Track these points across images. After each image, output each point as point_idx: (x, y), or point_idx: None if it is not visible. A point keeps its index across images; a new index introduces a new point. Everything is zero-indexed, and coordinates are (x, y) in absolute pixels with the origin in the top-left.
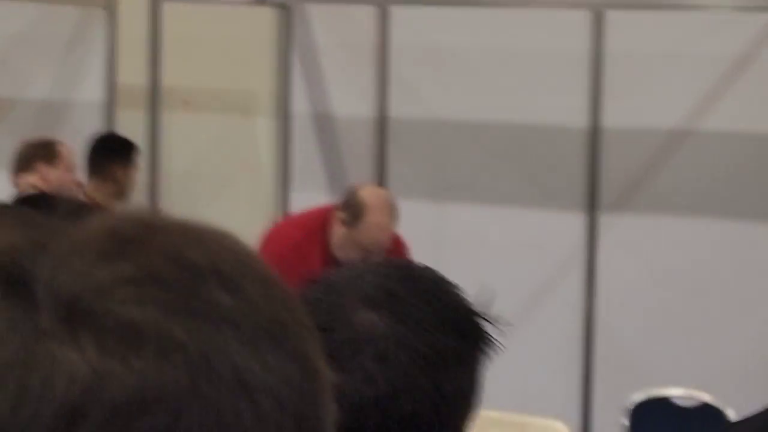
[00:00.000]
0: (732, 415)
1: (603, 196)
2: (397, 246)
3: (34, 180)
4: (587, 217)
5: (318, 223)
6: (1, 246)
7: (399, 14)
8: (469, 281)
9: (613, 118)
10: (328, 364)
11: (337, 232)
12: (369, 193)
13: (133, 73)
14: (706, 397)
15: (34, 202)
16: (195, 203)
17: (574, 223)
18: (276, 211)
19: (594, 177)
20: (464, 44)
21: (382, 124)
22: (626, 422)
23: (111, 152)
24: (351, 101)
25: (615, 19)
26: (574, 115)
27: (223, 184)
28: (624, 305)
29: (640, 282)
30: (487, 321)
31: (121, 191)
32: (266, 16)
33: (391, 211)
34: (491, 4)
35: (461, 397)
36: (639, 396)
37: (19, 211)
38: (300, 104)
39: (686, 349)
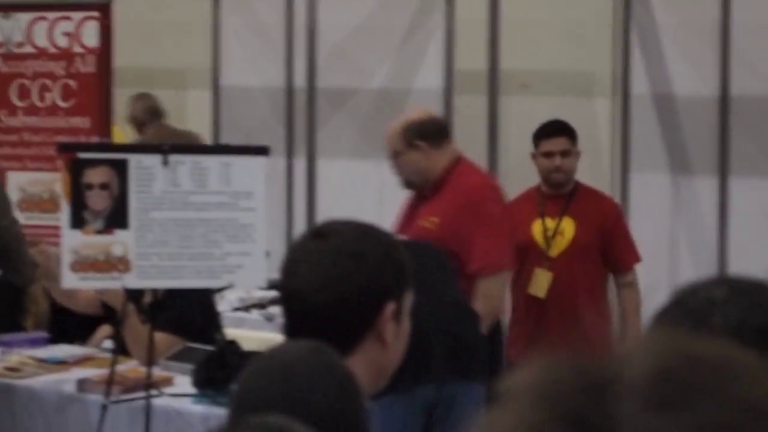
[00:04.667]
0: None
1: None
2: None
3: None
4: None
5: None
6: (560, 387)
7: None
8: None
9: None
10: None
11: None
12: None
13: (471, 58)
14: None
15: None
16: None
17: None
18: (616, 192)
19: None
20: None
21: (724, 103)
22: None
23: None
24: (692, 80)
25: None
26: None
27: None
28: None
29: None
30: None
31: None
32: None
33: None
34: None
35: None
36: None
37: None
38: (640, 85)
39: None
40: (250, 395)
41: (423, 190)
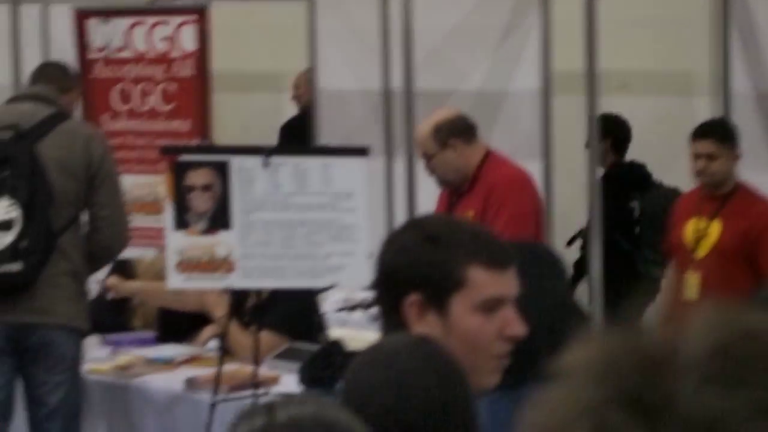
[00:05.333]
0: None
1: None
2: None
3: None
4: None
5: None
6: (616, 365)
7: None
8: None
9: None
10: None
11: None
12: None
13: (568, 58)
14: None
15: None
16: None
17: None
18: None
19: None
20: None
21: None
22: None
23: None
24: None
25: None
26: None
27: (663, 165)
28: None
29: None
30: None
31: None
32: None
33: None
34: None
35: None
36: None
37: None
38: (740, 83)
39: None
40: (355, 384)
41: (459, 187)
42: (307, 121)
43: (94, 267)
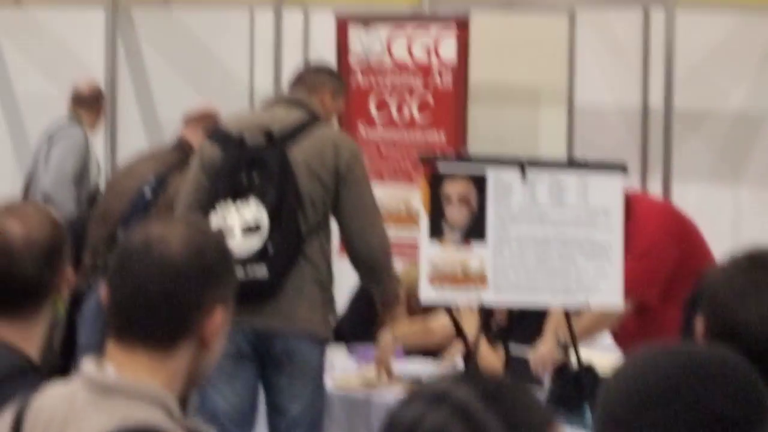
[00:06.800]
0: None
1: None
2: None
3: None
4: None
5: None
6: None
7: None
8: None
9: None
10: None
11: None
12: None
13: None
14: None
15: None
16: None
17: None
18: None
19: None
20: None
21: None
22: None
23: None
24: None
25: None
26: None
27: None
28: None
29: None
30: None
31: None
32: None
33: None
34: None
35: None
36: None
37: None
38: None
39: None
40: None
41: None
42: None
43: (363, 280)
